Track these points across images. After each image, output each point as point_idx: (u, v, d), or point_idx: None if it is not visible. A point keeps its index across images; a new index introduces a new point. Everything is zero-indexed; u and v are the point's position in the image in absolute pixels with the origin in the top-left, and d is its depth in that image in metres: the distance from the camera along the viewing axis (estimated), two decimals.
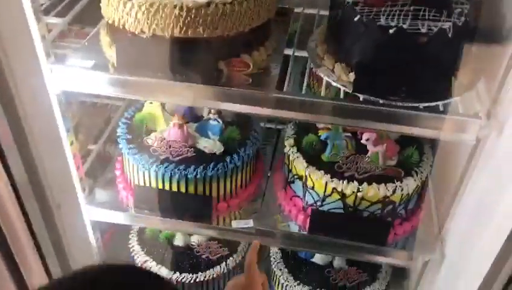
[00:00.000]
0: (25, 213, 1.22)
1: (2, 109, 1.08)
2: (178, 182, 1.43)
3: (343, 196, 1.37)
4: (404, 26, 1.13)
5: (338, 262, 1.74)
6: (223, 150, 1.47)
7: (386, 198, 1.36)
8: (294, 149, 1.47)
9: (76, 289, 0.65)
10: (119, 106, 1.90)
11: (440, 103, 1.16)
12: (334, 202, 1.39)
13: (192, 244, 1.77)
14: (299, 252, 1.79)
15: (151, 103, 1.55)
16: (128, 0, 1.13)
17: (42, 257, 1.32)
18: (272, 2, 1.29)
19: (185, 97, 1.21)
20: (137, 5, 1.12)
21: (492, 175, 1.17)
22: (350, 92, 1.18)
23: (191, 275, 1.73)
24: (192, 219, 1.50)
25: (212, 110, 1.53)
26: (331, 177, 1.37)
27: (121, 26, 1.18)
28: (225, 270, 1.76)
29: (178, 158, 1.43)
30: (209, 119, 1.52)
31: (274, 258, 1.80)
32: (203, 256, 1.76)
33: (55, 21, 1.47)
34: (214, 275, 1.74)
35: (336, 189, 1.36)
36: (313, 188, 1.41)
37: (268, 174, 1.65)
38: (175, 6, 1.11)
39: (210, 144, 1.49)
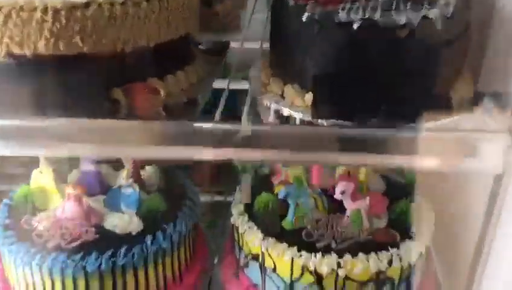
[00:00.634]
0: None
1: None
2: (74, 279, 1.00)
3: (318, 277, 1.02)
4: (374, 18, 0.84)
5: None
6: (142, 228, 1.08)
7: (381, 273, 1.02)
8: (245, 217, 1.12)
9: None
10: None
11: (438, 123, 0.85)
12: (307, 288, 1.03)
13: None
14: None
15: (41, 172, 1.13)
16: None
17: None
18: (191, 9, 0.94)
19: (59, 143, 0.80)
20: None
21: None
22: (310, 119, 0.88)
23: None
24: None
25: (126, 174, 1.12)
26: (298, 251, 1.03)
27: None
28: None
29: (73, 244, 1.01)
30: (120, 186, 1.11)
31: None
32: None
33: None
34: None
35: (307, 267, 1.02)
36: (274, 270, 1.05)
37: (215, 260, 1.28)
38: (35, 9, 0.78)
39: (123, 221, 1.07)
